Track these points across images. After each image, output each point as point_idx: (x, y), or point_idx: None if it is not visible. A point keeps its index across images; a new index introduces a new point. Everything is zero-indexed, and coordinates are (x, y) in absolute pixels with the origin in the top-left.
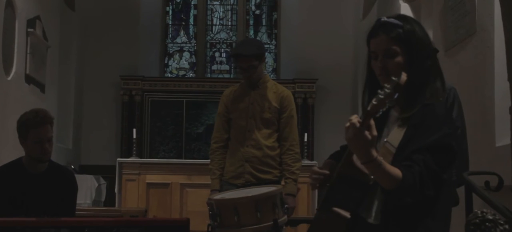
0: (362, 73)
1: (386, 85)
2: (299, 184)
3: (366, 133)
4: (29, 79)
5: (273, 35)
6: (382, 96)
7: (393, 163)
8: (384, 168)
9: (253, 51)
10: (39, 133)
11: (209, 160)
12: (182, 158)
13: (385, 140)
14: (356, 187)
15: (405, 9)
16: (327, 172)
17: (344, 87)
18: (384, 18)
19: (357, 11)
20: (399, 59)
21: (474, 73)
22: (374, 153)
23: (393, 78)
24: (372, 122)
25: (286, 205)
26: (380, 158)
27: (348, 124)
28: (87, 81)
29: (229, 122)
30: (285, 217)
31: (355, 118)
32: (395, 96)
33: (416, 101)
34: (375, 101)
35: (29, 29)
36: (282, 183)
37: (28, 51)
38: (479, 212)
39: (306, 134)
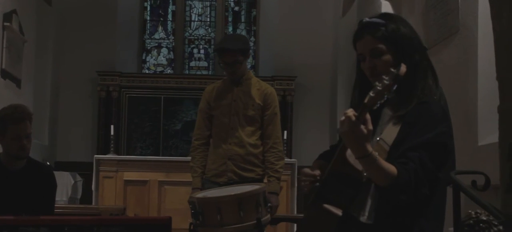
0: (342, 71)
1: (384, 76)
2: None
3: (362, 127)
4: (4, 74)
5: (252, 32)
6: (380, 88)
7: (387, 160)
8: (379, 164)
9: (239, 46)
10: (17, 129)
11: (187, 158)
12: (159, 155)
13: (378, 138)
14: (349, 184)
15: (386, 7)
16: (318, 173)
17: (323, 84)
18: (367, 19)
19: (336, 9)
20: (386, 57)
21: (457, 72)
22: (369, 147)
23: (392, 70)
24: (368, 116)
25: (269, 204)
26: (375, 153)
27: (343, 117)
28: (63, 76)
29: (211, 119)
30: (268, 216)
31: (350, 112)
32: (394, 88)
33: (410, 98)
34: (372, 93)
35: (5, 23)
36: (265, 181)
37: (4, 46)
38: (473, 213)
39: (285, 132)
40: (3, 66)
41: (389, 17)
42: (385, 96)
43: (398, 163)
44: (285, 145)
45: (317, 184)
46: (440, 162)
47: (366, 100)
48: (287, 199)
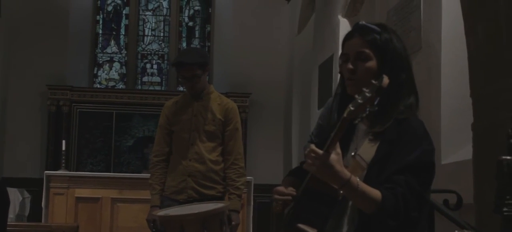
0: (297, 88)
1: (365, 89)
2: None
3: (332, 155)
4: None
5: (206, 48)
6: (361, 101)
7: (370, 184)
8: (361, 190)
9: (196, 59)
10: None
11: (141, 174)
12: (110, 172)
13: (353, 153)
14: (324, 202)
15: (344, 25)
16: (293, 192)
17: (278, 102)
18: (363, 22)
19: (292, 26)
20: (371, 64)
21: (420, 90)
22: (347, 173)
23: (373, 82)
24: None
25: (233, 222)
26: (356, 179)
27: (312, 154)
28: (12, 89)
29: (171, 135)
30: None
31: (315, 149)
32: (376, 101)
33: (388, 114)
34: (352, 106)
35: None
36: (226, 198)
37: None
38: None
39: None
40: None
41: (385, 27)
42: (367, 109)
43: (384, 188)
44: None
45: (291, 203)
46: (426, 183)
47: (345, 114)
48: (243, 217)
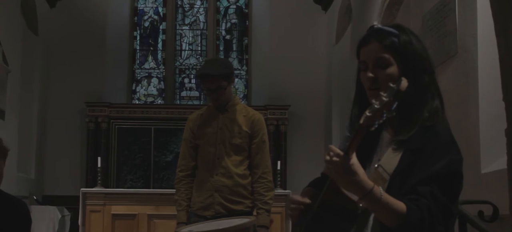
0: (336, 98)
1: (382, 93)
2: (272, 214)
3: (354, 161)
4: None
5: (244, 60)
6: (378, 106)
7: (391, 195)
8: (385, 201)
9: (221, 71)
10: None
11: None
12: (150, 188)
13: (376, 165)
14: (343, 216)
15: None
16: (307, 201)
17: (317, 113)
18: (378, 25)
19: (330, 36)
20: (392, 69)
21: (457, 97)
22: (369, 182)
23: (391, 85)
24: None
25: None
26: (379, 189)
27: (328, 157)
28: (51, 107)
29: (196, 149)
30: None
31: (335, 149)
32: (394, 106)
33: (412, 122)
34: (369, 112)
35: None
36: (254, 214)
37: None
38: None
39: (279, 162)
40: None
41: (402, 28)
42: (384, 115)
43: (407, 200)
44: (278, 175)
45: (307, 216)
46: (453, 194)
47: (361, 120)
48: None
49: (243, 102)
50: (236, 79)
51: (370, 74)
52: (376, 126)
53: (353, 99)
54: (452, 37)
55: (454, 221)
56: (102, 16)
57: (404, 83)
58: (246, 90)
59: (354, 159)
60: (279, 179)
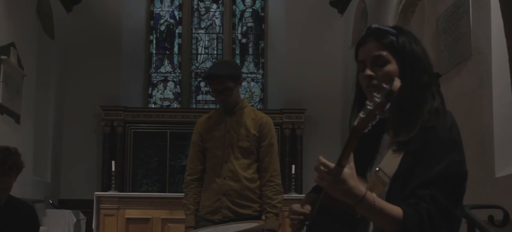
0: (353, 101)
1: (375, 94)
2: (284, 218)
3: (346, 170)
4: (1, 109)
5: (260, 64)
6: (371, 107)
7: (393, 200)
8: (379, 207)
9: (228, 71)
10: None
11: None
12: (166, 192)
13: (377, 168)
14: (341, 221)
15: None
16: (307, 210)
17: (334, 117)
18: (376, 25)
19: (346, 39)
20: (390, 67)
21: (471, 99)
22: (362, 188)
23: (384, 85)
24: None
25: None
26: (373, 195)
27: (321, 168)
28: (66, 111)
29: (204, 152)
30: None
31: (324, 161)
32: (387, 107)
33: (412, 122)
34: (362, 114)
35: (2, 57)
36: (263, 218)
37: (1, 80)
38: None
39: (294, 166)
40: (0, 101)
41: (401, 29)
42: (377, 116)
43: (406, 204)
44: (293, 180)
45: (307, 222)
46: (456, 197)
47: (356, 123)
48: None
49: (258, 106)
50: (252, 83)
51: (368, 72)
52: (369, 127)
53: (353, 102)
54: (466, 39)
55: (458, 225)
56: (118, 20)
57: (397, 83)
58: (262, 93)
59: (347, 167)
60: (294, 183)
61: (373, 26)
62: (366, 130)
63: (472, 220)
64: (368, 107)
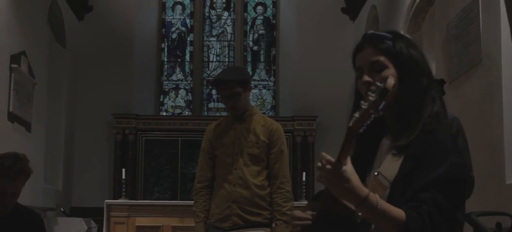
0: (351, 109)
1: (370, 93)
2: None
3: (347, 168)
4: (12, 117)
5: (272, 71)
6: (365, 107)
7: (393, 204)
8: (382, 209)
9: (236, 76)
10: (6, 185)
11: None
12: (177, 199)
13: (376, 172)
14: (342, 227)
15: None
16: (309, 217)
17: (345, 124)
18: (372, 31)
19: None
20: (387, 72)
21: (480, 105)
22: (364, 189)
23: (378, 84)
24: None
25: None
26: (376, 196)
27: (319, 164)
28: (78, 119)
29: (214, 159)
30: None
31: (327, 156)
32: (381, 106)
33: (412, 126)
34: (357, 114)
35: (12, 65)
36: (273, 225)
37: (12, 88)
38: None
39: (304, 173)
40: (10, 109)
41: (397, 34)
42: (372, 115)
43: (408, 207)
44: (304, 187)
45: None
46: (458, 200)
47: (351, 123)
48: None
49: (270, 113)
50: (264, 90)
51: (366, 78)
52: (364, 127)
53: (351, 109)
54: (476, 45)
55: (460, 228)
56: (130, 28)
57: (391, 81)
58: (273, 101)
59: (348, 166)
60: (305, 190)
61: (369, 32)
62: (361, 130)
63: (479, 227)
64: (363, 106)
